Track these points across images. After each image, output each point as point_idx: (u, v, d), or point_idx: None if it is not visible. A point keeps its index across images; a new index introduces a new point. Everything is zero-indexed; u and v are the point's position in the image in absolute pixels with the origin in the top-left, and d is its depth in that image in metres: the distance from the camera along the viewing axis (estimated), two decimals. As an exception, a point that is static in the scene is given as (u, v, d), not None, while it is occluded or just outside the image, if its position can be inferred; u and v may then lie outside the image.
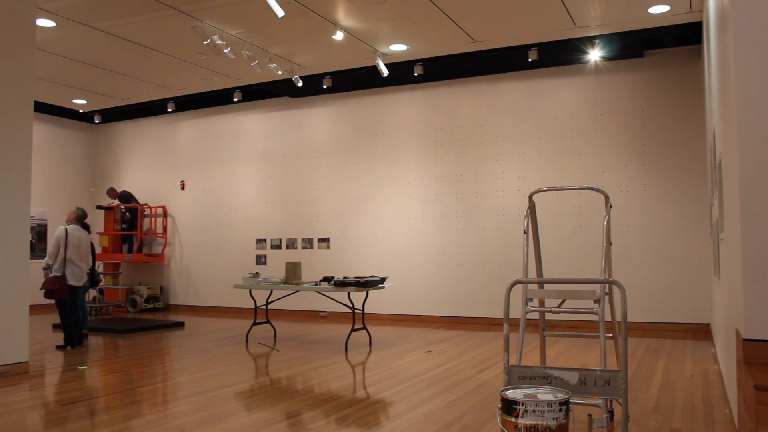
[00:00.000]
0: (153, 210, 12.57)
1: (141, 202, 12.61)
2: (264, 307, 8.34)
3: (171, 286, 12.43)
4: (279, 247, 11.40)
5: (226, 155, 12.05)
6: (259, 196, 11.66)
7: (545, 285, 4.54)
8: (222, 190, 12.06)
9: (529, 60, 8.48)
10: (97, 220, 12.90)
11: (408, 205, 10.31)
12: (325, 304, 10.41)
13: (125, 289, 12.05)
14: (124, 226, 12.38)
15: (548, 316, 8.14)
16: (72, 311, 7.50)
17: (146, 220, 12.59)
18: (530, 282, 3.56)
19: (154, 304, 11.98)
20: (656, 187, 8.71)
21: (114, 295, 12.10)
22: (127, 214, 12.30)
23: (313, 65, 9.25)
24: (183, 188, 12.40)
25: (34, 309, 11.07)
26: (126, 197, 12.43)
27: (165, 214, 12.53)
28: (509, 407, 2.67)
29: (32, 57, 6.40)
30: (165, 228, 12.49)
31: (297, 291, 7.99)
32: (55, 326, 9.47)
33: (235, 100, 11.10)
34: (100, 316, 11.14)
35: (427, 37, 8.08)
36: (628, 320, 8.39)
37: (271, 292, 8.24)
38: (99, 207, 12.62)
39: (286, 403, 4.76)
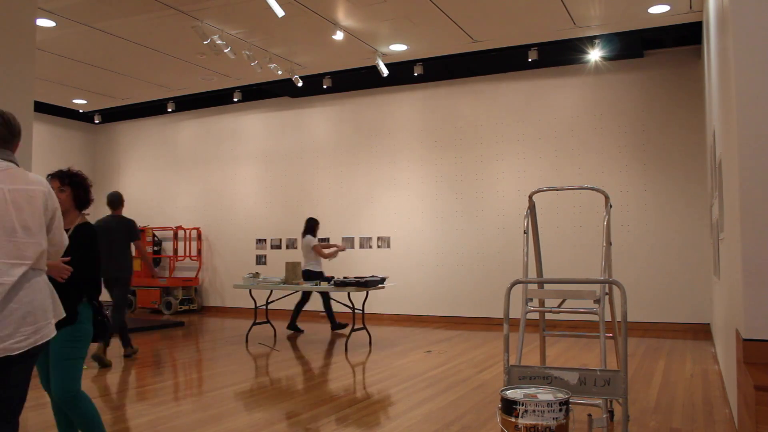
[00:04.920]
0: (187, 233, 12.21)
1: (181, 225, 12.22)
2: (264, 307, 8.34)
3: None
4: (279, 247, 11.40)
5: (226, 155, 12.05)
6: (259, 196, 11.66)
7: (545, 285, 4.54)
8: (222, 190, 12.06)
9: (529, 60, 8.48)
10: (129, 214, 12.52)
11: (408, 205, 10.31)
12: (325, 304, 10.39)
13: (159, 290, 11.66)
14: (156, 248, 12.12)
15: (548, 316, 8.12)
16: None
17: (180, 243, 12.21)
18: (530, 282, 3.56)
19: (189, 306, 11.76)
20: (656, 187, 8.71)
21: (148, 297, 11.74)
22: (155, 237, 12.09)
23: (313, 65, 9.25)
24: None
25: (34, 309, 11.10)
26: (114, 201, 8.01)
27: (199, 237, 12.15)
28: (509, 407, 2.67)
29: (32, 57, 6.39)
30: (200, 251, 12.10)
31: (297, 291, 7.99)
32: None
33: (235, 100, 11.10)
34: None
35: (427, 37, 8.08)
36: (628, 320, 8.38)
37: (271, 292, 8.24)
38: None
39: (286, 403, 4.76)
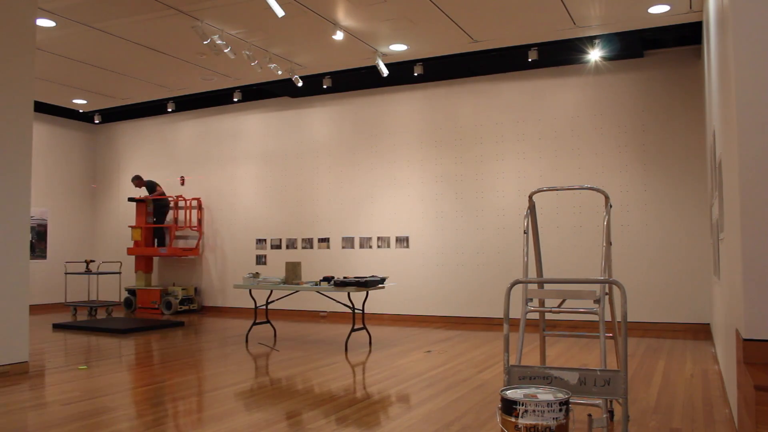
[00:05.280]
0: (188, 202, 12.27)
1: (182, 195, 12.44)
2: (264, 307, 8.34)
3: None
4: (279, 247, 11.41)
5: (226, 155, 12.05)
6: (259, 196, 11.66)
7: (545, 285, 4.54)
8: (222, 190, 12.06)
9: (529, 60, 8.49)
10: (128, 213, 12.79)
11: (408, 205, 10.31)
12: (325, 304, 10.41)
13: (159, 290, 11.71)
14: (155, 219, 12.19)
15: (548, 316, 8.14)
16: None
17: (180, 213, 12.34)
18: (530, 282, 3.56)
19: (189, 306, 11.75)
20: (656, 187, 8.71)
21: (147, 297, 11.78)
22: (152, 206, 12.13)
23: (313, 65, 9.25)
24: (183, 183, 12.42)
25: (34, 309, 11.13)
26: (152, 187, 12.14)
27: (200, 206, 12.25)
28: (509, 407, 2.67)
29: (32, 57, 6.40)
30: (200, 221, 12.20)
31: (297, 291, 7.99)
32: (55, 326, 9.47)
33: (235, 100, 11.10)
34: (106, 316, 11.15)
35: (427, 37, 8.08)
36: (628, 320, 8.39)
37: (271, 292, 8.24)
38: (131, 199, 12.31)
39: (286, 403, 4.76)
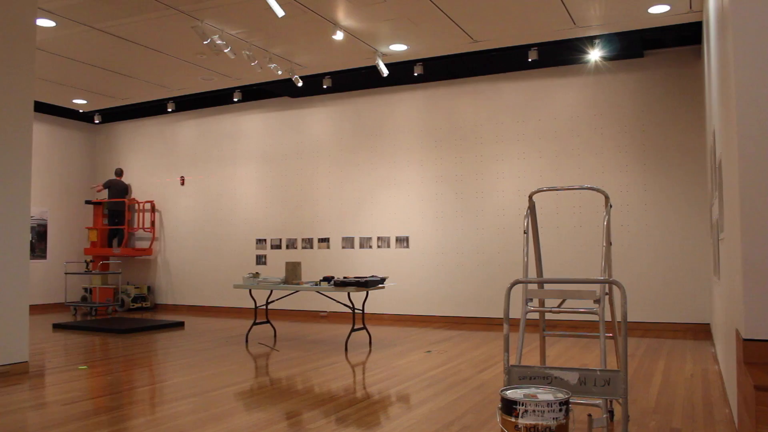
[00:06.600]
0: (141, 205, 12.71)
1: (135, 198, 12.88)
2: (264, 307, 8.34)
3: (159, 285, 12.56)
4: (279, 247, 11.41)
5: (226, 155, 12.05)
6: (259, 196, 11.66)
7: (545, 285, 4.54)
8: (222, 190, 12.06)
9: (529, 60, 8.49)
10: (86, 215, 13.16)
11: (408, 205, 10.32)
12: (325, 304, 10.41)
13: (113, 288, 12.06)
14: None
15: (548, 316, 8.14)
16: None
17: (134, 215, 12.86)
18: (530, 282, 3.56)
19: (142, 304, 12.15)
20: (656, 187, 8.71)
21: (104, 295, 12.07)
22: (107, 210, 12.62)
23: (313, 65, 9.25)
24: (183, 183, 12.44)
25: (34, 309, 11.11)
26: (119, 171, 12.74)
27: (153, 209, 12.66)
28: (509, 407, 2.67)
29: (32, 57, 6.40)
30: (153, 223, 12.63)
31: (297, 291, 8.00)
32: (55, 326, 9.47)
33: (235, 100, 11.10)
34: (105, 316, 11.14)
35: (427, 37, 8.08)
36: (628, 320, 8.40)
37: (271, 292, 8.25)
38: (87, 202, 12.79)
39: (286, 403, 4.76)
